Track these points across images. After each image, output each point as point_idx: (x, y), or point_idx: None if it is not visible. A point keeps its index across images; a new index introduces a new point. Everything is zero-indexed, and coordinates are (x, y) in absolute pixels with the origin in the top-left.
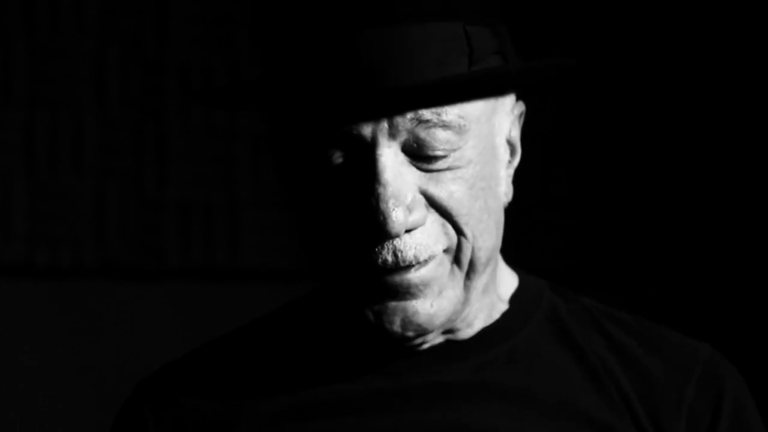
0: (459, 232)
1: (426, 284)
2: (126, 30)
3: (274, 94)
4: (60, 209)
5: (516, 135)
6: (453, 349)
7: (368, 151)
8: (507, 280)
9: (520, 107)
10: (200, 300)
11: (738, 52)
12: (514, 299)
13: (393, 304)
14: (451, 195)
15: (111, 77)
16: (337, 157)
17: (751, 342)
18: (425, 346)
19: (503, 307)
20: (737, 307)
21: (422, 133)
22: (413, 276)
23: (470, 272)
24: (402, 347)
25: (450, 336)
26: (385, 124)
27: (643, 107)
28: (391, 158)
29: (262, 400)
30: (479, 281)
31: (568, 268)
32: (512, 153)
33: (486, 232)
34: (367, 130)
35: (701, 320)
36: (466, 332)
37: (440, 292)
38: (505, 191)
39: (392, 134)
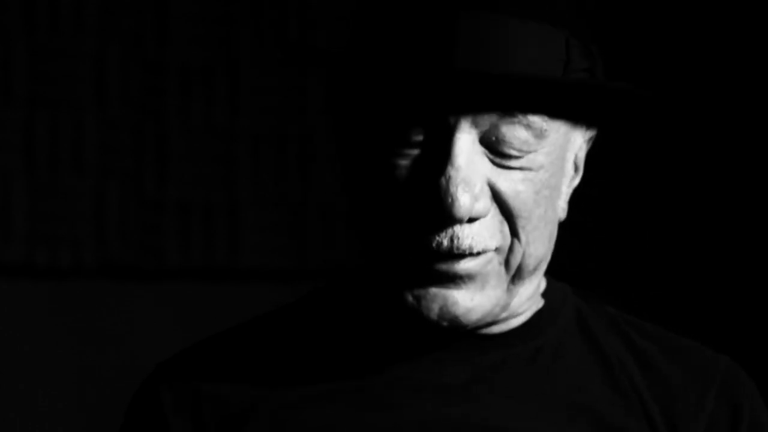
0: (514, 233)
1: (471, 277)
2: (126, 30)
3: (367, 63)
4: (60, 209)
5: (582, 156)
6: (478, 344)
7: (447, 134)
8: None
9: (592, 132)
10: (200, 300)
11: (738, 52)
12: (544, 299)
13: (434, 290)
14: (517, 194)
15: (111, 77)
16: (416, 135)
17: (755, 344)
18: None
19: (540, 303)
20: (740, 309)
21: (504, 128)
22: (461, 267)
23: (516, 277)
24: (431, 337)
25: (483, 331)
26: (470, 111)
27: (660, 114)
28: (468, 144)
29: (279, 388)
30: (523, 288)
31: (585, 271)
32: (575, 173)
33: (539, 240)
34: (452, 112)
35: (705, 322)
36: (497, 329)
37: (482, 289)
38: (563, 206)
39: (475, 122)
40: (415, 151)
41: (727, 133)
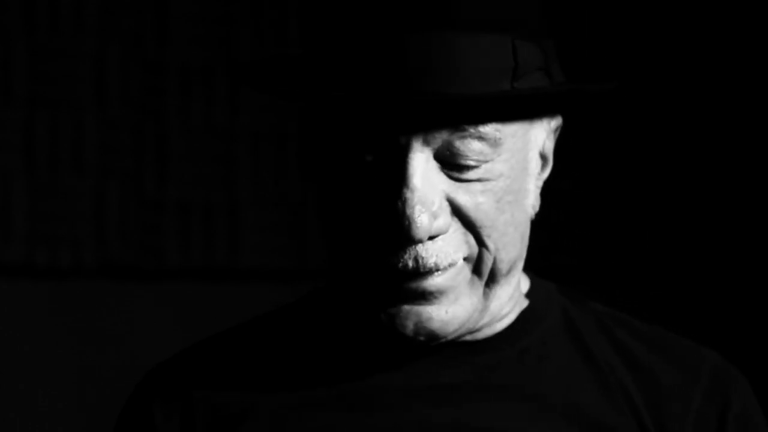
0: (481, 243)
1: (442, 292)
2: (126, 30)
3: (316, 88)
4: (60, 209)
5: (549, 147)
6: (464, 348)
7: (400, 155)
8: (523, 282)
9: (558, 121)
10: (200, 300)
11: (737, 52)
12: (528, 299)
13: (407, 307)
14: (477, 206)
15: (111, 77)
16: (369, 158)
17: (750, 342)
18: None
19: (524, 304)
20: (735, 307)
21: (457, 142)
22: (430, 283)
23: (490, 282)
24: (412, 349)
25: (468, 337)
26: (421, 130)
27: (641, 106)
28: (422, 163)
29: (273, 392)
30: (501, 291)
31: (567, 266)
32: (543, 165)
33: (510, 245)
34: (402, 133)
35: (700, 320)
36: (482, 334)
37: (456, 300)
38: (532, 203)
39: (427, 140)
40: (373, 174)
41: (722, 127)
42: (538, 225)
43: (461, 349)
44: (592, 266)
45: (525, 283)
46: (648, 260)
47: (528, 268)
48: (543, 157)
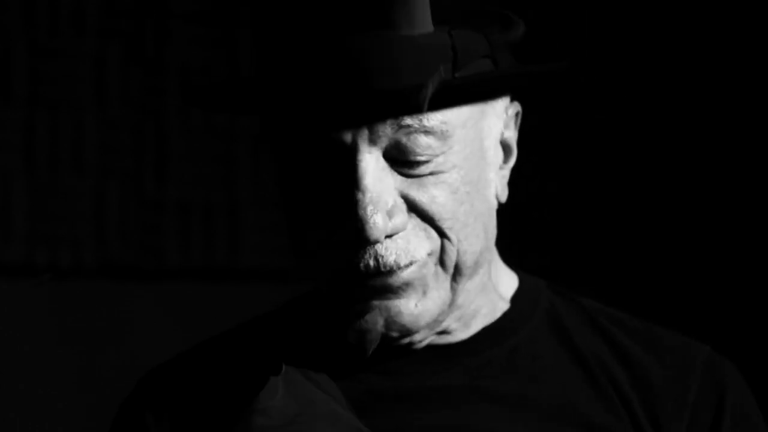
0: (442, 235)
1: (408, 284)
2: (126, 30)
3: (260, 95)
4: (60, 209)
5: (511, 135)
6: (451, 349)
7: (349, 157)
8: (506, 280)
9: (515, 107)
10: (200, 300)
11: (736, 52)
12: (514, 299)
13: (376, 302)
14: (433, 199)
15: (111, 77)
16: (320, 161)
17: (744, 341)
18: (418, 346)
19: (505, 306)
20: (730, 306)
21: (403, 139)
22: (395, 279)
23: (456, 275)
24: (389, 348)
25: (448, 338)
26: (365, 130)
27: (634, 105)
28: (371, 164)
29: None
30: (469, 284)
31: (557, 265)
32: (507, 154)
33: (472, 236)
34: (347, 134)
35: (694, 319)
36: (464, 333)
37: (425, 293)
38: (498, 193)
39: (373, 140)
40: (326, 175)
41: (716, 127)
42: (530, 225)
43: (450, 350)
44: (571, 267)
45: (513, 281)
46: (637, 260)
47: (521, 268)
48: (505, 146)
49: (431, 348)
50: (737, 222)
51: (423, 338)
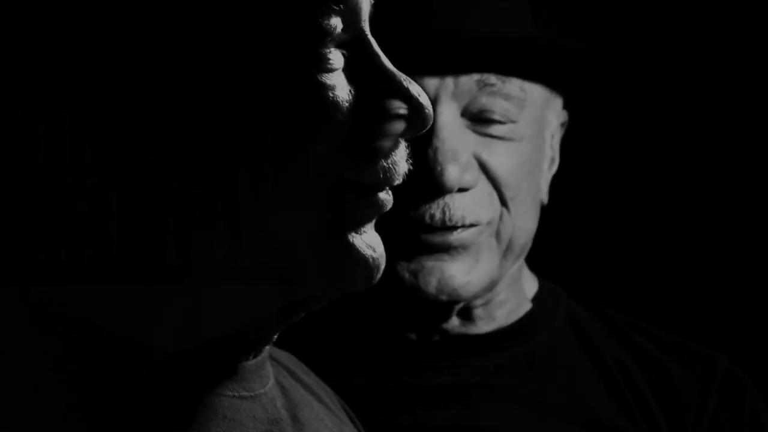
0: (504, 204)
1: (465, 247)
2: None
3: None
4: None
5: (557, 143)
6: (472, 344)
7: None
8: (530, 282)
9: (565, 115)
10: None
11: (736, 52)
12: (536, 301)
13: (430, 263)
14: (503, 164)
15: None
16: None
17: (744, 341)
18: (452, 330)
19: (528, 306)
20: (730, 308)
21: (484, 98)
22: (454, 237)
23: (507, 251)
24: (431, 311)
25: (471, 327)
26: (450, 82)
27: (633, 105)
28: (451, 117)
29: None
30: (512, 264)
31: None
32: (551, 161)
33: (527, 214)
34: (431, 85)
35: (696, 323)
36: (488, 325)
37: (477, 261)
38: (544, 189)
39: (455, 94)
40: None
41: (714, 127)
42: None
43: (471, 345)
44: (572, 271)
45: (534, 284)
46: (637, 265)
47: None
48: (552, 149)
49: (453, 340)
50: (738, 222)
51: (471, 304)
